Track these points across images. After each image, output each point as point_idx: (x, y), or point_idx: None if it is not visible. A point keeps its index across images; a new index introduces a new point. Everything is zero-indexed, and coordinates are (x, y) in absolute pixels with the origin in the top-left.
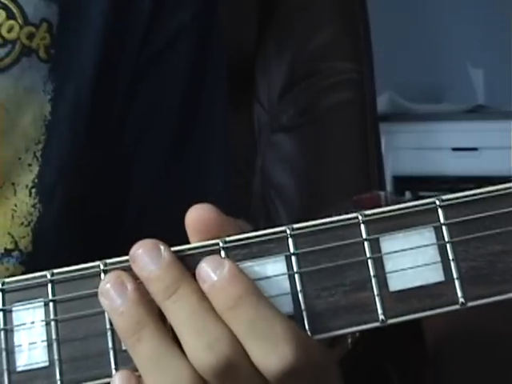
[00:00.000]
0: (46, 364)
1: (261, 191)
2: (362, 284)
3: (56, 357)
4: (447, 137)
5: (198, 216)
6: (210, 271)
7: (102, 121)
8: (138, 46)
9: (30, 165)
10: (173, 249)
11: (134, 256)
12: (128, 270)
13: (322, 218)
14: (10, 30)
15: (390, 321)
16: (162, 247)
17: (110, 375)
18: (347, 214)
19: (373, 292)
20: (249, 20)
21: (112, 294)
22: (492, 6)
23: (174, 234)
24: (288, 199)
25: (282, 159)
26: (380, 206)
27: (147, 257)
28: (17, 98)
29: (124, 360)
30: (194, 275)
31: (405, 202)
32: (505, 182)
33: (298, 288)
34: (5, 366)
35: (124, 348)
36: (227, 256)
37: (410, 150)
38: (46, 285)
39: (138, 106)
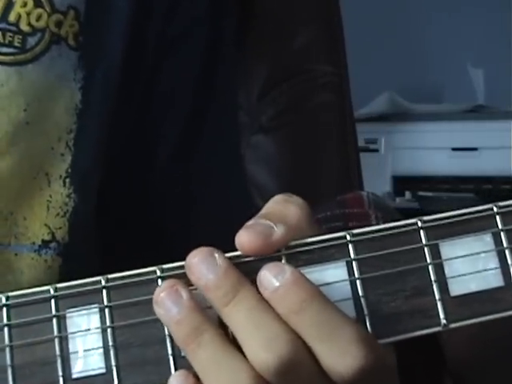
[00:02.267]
0: (103, 371)
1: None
2: (423, 289)
3: (113, 363)
4: (447, 137)
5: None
6: (271, 277)
7: (129, 105)
8: (161, 29)
9: (62, 154)
10: (229, 255)
11: (189, 265)
12: (183, 276)
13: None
14: (38, 19)
15: (452, 325)
16: (216, 255)
17: None
18: (332, 213)
19: (434, 297)
20: None
21: (167, 304)
22: (492, 5)
23: (194, 213)
24: (269, 199)
25: (262, 160)
26: (363, 206)
27: (203, 265)
28: (48, 87)
29: (184, 366)
30: (251, 281)
31: (384, 201)
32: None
33: (360, 293)
34: (60, 373)
35: (183, 354)
36: (288, 261)
37: (410, 149)
38: (101, 291)
39: (160, 88)
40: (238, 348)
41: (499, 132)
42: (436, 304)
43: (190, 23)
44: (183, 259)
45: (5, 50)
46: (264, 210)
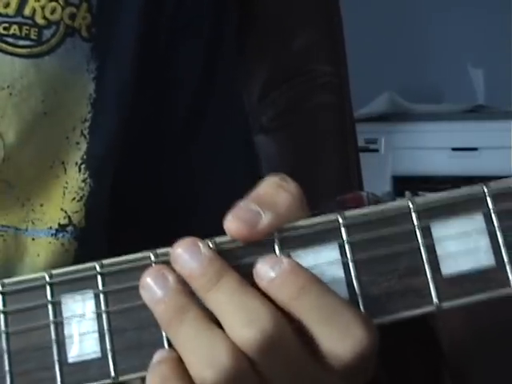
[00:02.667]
0: (99, 355)
1: None
2: (415, 269)
3: (109, 347)
4: (447, 137)
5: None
6: (268, 269)
7: (143, 94)
8: (172, 16)
9: (77, 143)
10: (219, 240)
11: (174, 256)
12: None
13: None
14: (52, 12)
15: (444, 304)
16: (200, 244)
17: None
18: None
19: (426, 277)
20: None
21: (153, 286)
22: (492, 6)
23: (202, 201)
24: None
25: (263, 160)
26: (363, 206)
27: (187, 255)
28: (63, 78)
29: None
30: (238, 267)
31: (385, 201)
32: None
33: (353, 274)
34: (56, 358)
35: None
36: (281, 245)
37: (410, 149)
38: (96, 276)
39: (171, 74)
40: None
41: (499, 132)
42: (428, 284)
43: (195, 15)
44: None
45: (22, 42)
46: (255, 192)
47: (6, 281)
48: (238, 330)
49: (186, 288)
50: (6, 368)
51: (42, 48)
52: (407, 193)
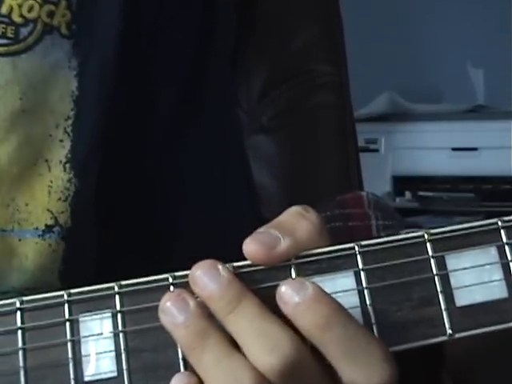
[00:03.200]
0: (115, 374)
1: None
2: (429, 299)
3: (125, 367)
4: (447, 137)
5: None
6: (292, 293)
7: (126, 89)
8: (155, 12)
9: (61, 140)
10: (236, 264)
11: (193, 278)
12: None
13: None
14: (30, 10)
15: (458, 335)
16: (220, 266)
17: None
18: (332, 214)
19: (440, 307)
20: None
21: (173, 311)
22: (492, 5)
23: (187, 204)
24: (270, 199)
25: (262, 160)
26: (363, 206)
27: (206, 277)
28: (43, 75)
29: (193, 370)
30: (256, 291)
31: (384, 202)
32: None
33: (368, 302)
34: (72, 376)
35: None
36: (297, 271)
37: (410, 149)
38: (114, 296)
39: (155, 71)
40: (242, 353)
41: (499, 132)
42: (442, 314)
43: (181, 8)
44: (177, 250)
45: None
46: (276, 220)
47: (25, 298)
48: (259, 357)
49: (206, 311)
50: None
51: (19, 46)
52: (407, 193)
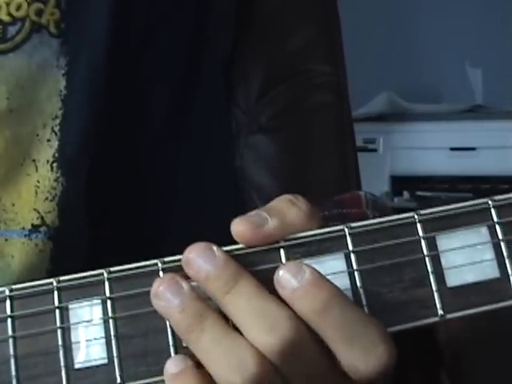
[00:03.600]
0: (105, 361)
1: (241, 192)
2: (420, 280)
3: (115, 353)
4: (446, 137)
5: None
6: (290, 277)
7: (117, 88)
8: (146, 10)
9: (48, 140)
10: (225, 248)
11: (187, 260)
12: (181, 270)
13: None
14: (18, 8)
15: (449, 315)
16: (214, 248)
17: None
18: (330, 213)
19: (431, 288)
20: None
21: (168, 295)
22: (491, 5)
23: (179, 200)
24: (269, 199)
25: (261, 160)
26: (361, 206)
27: (201, 258)
28: (31, 74)
29: (188, 355)
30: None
31: (382, 202)
32: None
33: (359, 284)
34: (62, 363)
35: (185, 345)
36: (287, 253)
37: (408, 149)
38: (103, 283)
39: (145, 69)
40: (240, 333)
41: (498, 132)
42: (433, 295)
43: (173, 6)
44: (167, 249)
45: None
46: (267, 205)
47: (14, 286)
48: (258, 337)
49: (200, 294)
50: (13, 373)
51: (7, 45)
52: (406, 193)
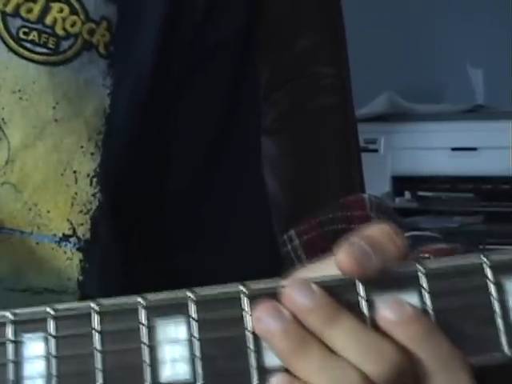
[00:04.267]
0: (191, 381)
1: None
2: (487, 320)
3: (200, 372)
4: (446, 137)
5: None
6: (390, 311)
7: (155, 115)
8: (189, 45)
9: (92, 153)
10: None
11: (286, 294)
12: (270, 295)
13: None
14: (72, 25)
15: None
16: (312, 284)
17: None
18: (334, 216)
19: (498, 328)
20: None
21: (271, 319)
22: (492, 5)
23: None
24: (274, 201)
25: (264, 161)
26: (365, 209)
27: (301, 294)
28: (78, 89)
29: (266, 377)
30: None
31: (385, 204)
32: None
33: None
34: (149, 380)
35: (267, 366)
36: (365, 287)
37: (409, 149)
38: (189, 303)
39: (183, 105)
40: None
41: (499, 132)
42: (499, 334)
43: (221, 40)
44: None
45: (39, 49)
46: (368, 232)
47: (102, 301)
48: (365, 363)
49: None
50: None
51: (58, 57)
52: (407, 193)
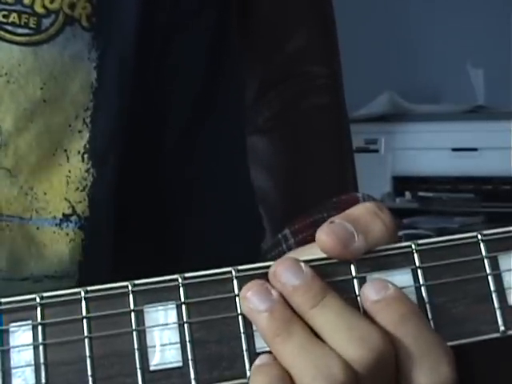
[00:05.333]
0: (180, 364)
1: None
2: (482, 298)
3: (190, 357)
4: (447, 137)
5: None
6: (374, 291)
7: (142, 83)
8: (168, 13)
9: (80, 131)
10: (302, 259)
11: (275, 273)
12: (260, 277)
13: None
14: (52, 1)
15: (510, 332)
16: (301, 263)
17: (244, 376)
18: (329, 215)
19: (493, 305)
20: None
21: (257, 298)
22: (492, 5)
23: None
24: (264, 199)
25: (258, 161)
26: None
27: (289, 272)
28: (63, 66)
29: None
30: None
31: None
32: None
33: (425, 299)
34: (138, 365)
35: (258, 350)
36: (357, 266)
37: (410, 150)
38: (178, 288)
39: (170, 62)
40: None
41: (499, 132)
42: (495, 312)
43: (199, 5)
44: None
45: (20, 30)
46: (351, 212)
47: (89, 288)
48: (347, 349)
49: (287, 303)
50: (89, 372)
51: (41, 36)
52: (407, 193)
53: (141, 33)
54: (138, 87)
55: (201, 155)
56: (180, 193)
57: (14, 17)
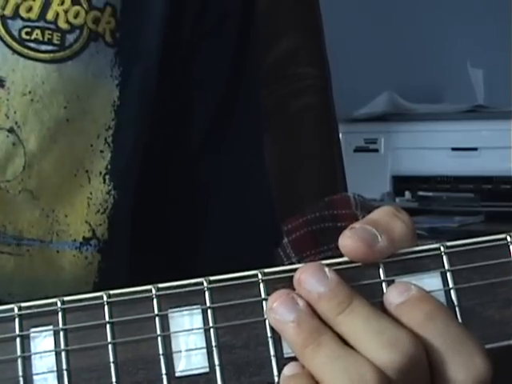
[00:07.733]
0: (207, 370)
1: None
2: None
3: (217, 363)
4: (447, 137)
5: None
6: (397, 293)
7: (165, 101)
8: (195, 22)
9: (101, 151)
10: (324, 262)
11: (299, 280)
12: (286, 280)
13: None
14: (76, 16)
15: None
16: (326, 269)
17: (272, 382)
18: (321, 214)
19: None
20: None
21: (284, 309)
22: (492, 5)
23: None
24: None
25: None
26: (351, 207)
27: (314, 279)
28: (86, 83)
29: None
30: None
31: (369, 203)
32: None
33: (455, 302)
34: (164, 371)
35: (286, 355)
36: (385, 270)
37: (410, 149)
38: (204, 292)
39: (191, 82)
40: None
41: (499, 132)
42: None
43: (222, 15)
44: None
45: (44, 47)
46: (370, 217)
47: (112, 292)
48: (378, 353)
49: (314, 311)
50: (113, 379)
51: (65, 53)
52: (407, 193)
53: (164, 48)
54: (160, 100)
55: (221, 165)
56: (195, 205)
57: (37, 33)
